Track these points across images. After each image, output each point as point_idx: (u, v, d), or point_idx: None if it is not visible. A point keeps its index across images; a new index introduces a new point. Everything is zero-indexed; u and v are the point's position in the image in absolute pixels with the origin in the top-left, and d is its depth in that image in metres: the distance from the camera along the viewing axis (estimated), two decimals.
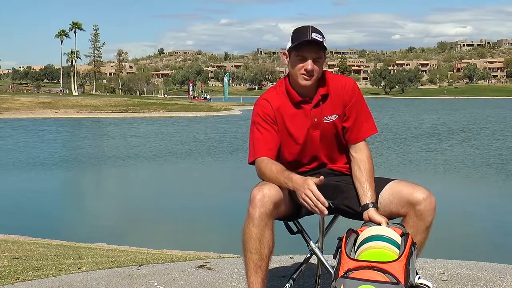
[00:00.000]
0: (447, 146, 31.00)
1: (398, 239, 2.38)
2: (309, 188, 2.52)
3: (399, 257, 2.26)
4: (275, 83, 2.98)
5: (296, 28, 2.74)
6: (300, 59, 2.69)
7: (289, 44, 2.72)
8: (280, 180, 2.64)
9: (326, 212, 2.53)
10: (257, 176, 2.77)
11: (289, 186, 2.61)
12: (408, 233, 2.42)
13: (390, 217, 2.66)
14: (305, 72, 2.70)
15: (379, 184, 2.74)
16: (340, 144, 2.86)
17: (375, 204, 2.66)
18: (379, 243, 2.35)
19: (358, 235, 2.45)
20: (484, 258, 4.86)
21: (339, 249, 2.37)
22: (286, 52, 2.76)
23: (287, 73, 2.87)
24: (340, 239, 2.42)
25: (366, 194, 2.69)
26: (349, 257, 2.31)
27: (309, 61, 2.68)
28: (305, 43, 2.66)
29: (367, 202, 2.66)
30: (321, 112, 2.78)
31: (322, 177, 2.58)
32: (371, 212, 2.62)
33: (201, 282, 3.71)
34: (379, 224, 2.54)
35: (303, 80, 2.72)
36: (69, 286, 3.74)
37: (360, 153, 2.80)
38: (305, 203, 2.55)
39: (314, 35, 2.65)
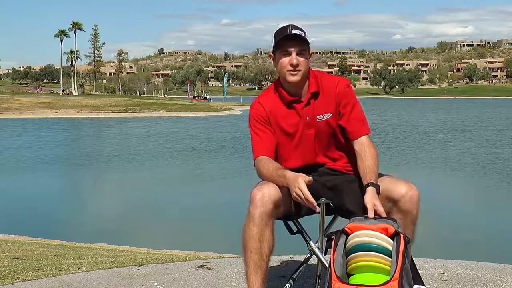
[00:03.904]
0: (448, 145, 31.00)
1: (390, 243, 2.30)
2: (298, 187, 2.54)
3: (392, 277, 2.17)
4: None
5: (277, 29, 2.78)
6: (284, 54, 2.72)
7: (273, 45, 2.75)
8: (275, 177, 2.66)
9: (317, 210, 2.59)
10: (257, 175, 2.78)
11: (283, 183, 2.62)
12: (399, 233, 2.33)
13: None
14: (291, 68, 2.72)
15: None
16: (338, 143, 2.85)
17: (374, 184, 2.60)
18: (369, 254, 2.28)
19: (348, 235, 2.38)
20: (484, 258, 4.84)
21: (330, 249, 2.36)
22: (272, 54, 2.79)
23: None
24: (329, 238, 2.40)
25: (365, 176, 2.65)
26: (338, 278, 2.24)
27: (293, 55, 2.71)
28: (287, 38, 2.69)
29: (366, 183, 2.61)
30: (313, 110, 2.78)
31: (311, 178, 2.59)
32: (368, 197, 2.54)
33: (201, 282, 3.71)
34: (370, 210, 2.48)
35: (290, 76, 2.74)
36: (69, 286, 3.74)
37: (362, 146, 2.75)
38: (298, 199, 2.57)
39: (295, 31, 2.70)
